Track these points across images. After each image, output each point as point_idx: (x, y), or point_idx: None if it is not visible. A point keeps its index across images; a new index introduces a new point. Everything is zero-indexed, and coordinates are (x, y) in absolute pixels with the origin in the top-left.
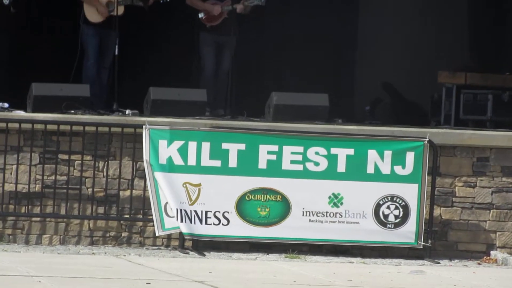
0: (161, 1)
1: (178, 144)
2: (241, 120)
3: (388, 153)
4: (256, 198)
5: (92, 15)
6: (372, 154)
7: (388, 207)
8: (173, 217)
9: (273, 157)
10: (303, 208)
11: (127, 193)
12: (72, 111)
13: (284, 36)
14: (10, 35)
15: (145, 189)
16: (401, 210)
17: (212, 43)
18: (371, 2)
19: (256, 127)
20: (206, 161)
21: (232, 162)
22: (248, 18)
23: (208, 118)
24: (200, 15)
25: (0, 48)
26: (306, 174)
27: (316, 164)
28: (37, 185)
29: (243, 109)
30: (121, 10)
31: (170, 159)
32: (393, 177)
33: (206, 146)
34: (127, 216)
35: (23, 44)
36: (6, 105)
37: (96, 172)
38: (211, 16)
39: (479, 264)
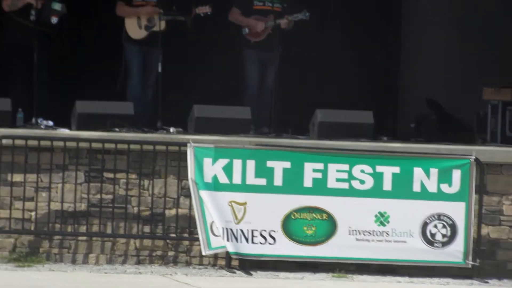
0: (201, 15)
1: (223, 162)
2: (286, 138)
3: (434, 171)
4: (302, 217)
5: (134, 32)
6: (418, 172)
7: (435, 226)
8: (219, 236)
9: (319, 175)
10: (350, 227)
11: (173, 211)
12: (117, 129)
13: (327, 52)
14: (54, 52)
15: (190, 207)
16: (448, 228)
17: (256, 59)
18: (415, 19)
19: (301, 145)
20: (251, 180)
21: (278, 181)
22: (291, 33)
23: (253, 136)
24: (244, 31)
25: (44, 65)
26: (352, 192)
27: (362, 182)
28: (82, 204)
29: (287, 126)
30: (163, 25)
31: (215, 178)
32: (439, 196)
33: (251, 164)
34: (173, 235)
35: (67, 62)
36: (50, 123)
37: (141, 190)
38: (255, 32)
39: None
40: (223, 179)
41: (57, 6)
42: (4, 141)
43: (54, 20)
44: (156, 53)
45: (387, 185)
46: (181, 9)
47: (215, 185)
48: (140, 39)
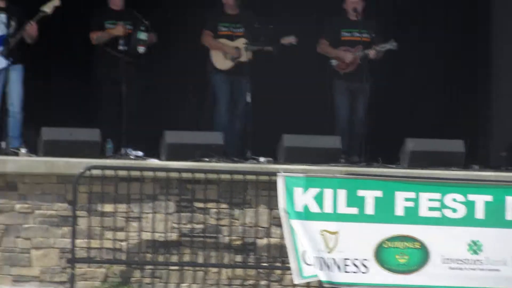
0: (287, 45)
1: (314, 191)
2: (377, 167)
3: None
4: (394, 246)
5: (221, 62)
6: (510, 201)
7: None
8: (311, 265)
9: (410, 204)
10: (442, 255)
11: (264, 241)
12: (206, 159)
13: (417, 81)
14: (142, 83)
15: (282, 237)
16: None
17: (346, 90)
18: (505, 35)
19: (392, 174)
20: (342, 209)
21: (369, 209)
22: (380, 62)
23: (343, 165)
24: (333, 63)
25: (132, 97)
26: (444, 221)
27: (454, 210)
28: (173, 234)
29: (377, 155)
30: (249, 55)
31: (306, 207)
32: None
33: (342, 193)
34: (265, 264)
35: (155, 93)
36: (140, 153)
37: (232, 220)
38: (344, 63)
39: None
40: (314, 208)
41: (143, 36)
42: (94, 172)
43: (141, 49)
44: (243, 83)
45: (479, 214)
46: (267, 40)
47: (306, 214)
48: (226, 69)
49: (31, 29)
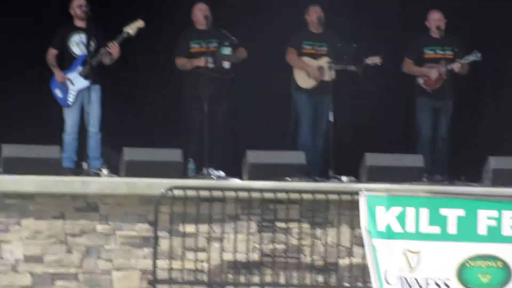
0: (372, 65)
1: (396, 210)
2: (459, 185)
3: None
4: (476, 265)
5: (303, 80)
6: None
7: None
8: (393, 284)
9: (493, 222)
10: None
11: (346, 261)
12: (288, 179)
13: (499, 96)
14: (228, 101)
15: (364, 256)
16: None
17: (429, 108)
18: None
19: (475, 192)
20: (425, 228)
21: (452, 229)
22: (465, 79)
23: (426, 184)
24: (419, 81)
25: (218, 115)
26: None
27: None
28: (255, 254)
29: (460, 174)
30: (333, 74)
31: (388, 226)
32: None
33: (424, 212)
34: (347, 284)
35: (238, 111)
36: (222, 173)
37: (314, 240)
38: (430, 80)
39: None
40: (396, 227)
41: (226, 51)
42: (175, 192)
43: (226, 64)
44: (326, 102)
45: None
46: (351, 59)
47: (389, 234)
48: (309, 88)
49: (114, 50)
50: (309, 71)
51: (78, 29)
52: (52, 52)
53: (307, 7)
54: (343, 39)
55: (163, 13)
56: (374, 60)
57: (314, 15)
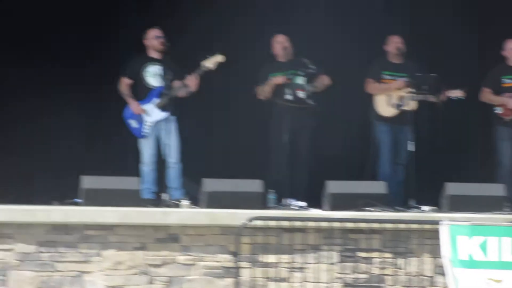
0: (454, 98)
1: (478, 239)
2: None
3: None
4: None
5: (384, 109)
6: None
7: None
8: None
9: None
10: None
11: None
12: (369, 209)
13: None
14: (308, 131)
15: (446, 285)
16: None
17: (509, 137)
18: None
19: None
20: (507, 257)
21: None
22: None
23: (508, 213)
24: (497, 110)
25: (298, 146)
26: None
27: None
28: (337, 284)
29: None
30: (414, 105)
31: (470, 255)
32: None
33: (507, 241)
34: None
35: (318, 141)
36: (303, 204)
37: (396, 269)
38: (508, 109)
39: None
40: (478, 256)
41: (300, 80)
42: (257, 223)
43: (300, 94)
44: (406, 131)
45: None
46: (432, 89)
47: (471, 263)
48: (390, 117)
49: (192, 83)
50: (393, 86)
51: (153, 60)
52: (125, 82)
53: (387, 38)
54: (423, 69)
55: (242, 46)
56: (456, 93)
57: (393, 46)
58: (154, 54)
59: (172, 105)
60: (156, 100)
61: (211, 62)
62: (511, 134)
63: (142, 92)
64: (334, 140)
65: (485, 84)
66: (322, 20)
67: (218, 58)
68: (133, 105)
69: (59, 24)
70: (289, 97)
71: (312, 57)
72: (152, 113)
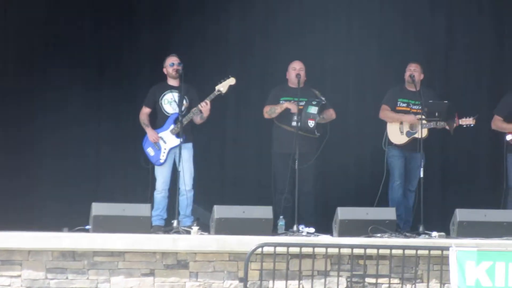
0: (464, 126)
1: (486, 265)
2: None
3: None
4: None
5: (396, 136)
6: None
7: None
8: None
9: None
10: None
11: None
12: (378, 235)
13: None
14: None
15: None
16: None
17: None
18: None
19: None
20: None
21: None
22: None
23: None
24: (508, 137)
25: (307, 172)
26: None
27: None
28: None
29: None
30: (425, 132)
31: (477, 280)
32: None
33: None
34: None
35: (328, 168)
36: (312, 230)
37: None
38: None
39: None
40: (486, 282)
41: (312, 110)
42: (265, 249)
43: (310, 123)
44: (417, 158)
45: None
46: (444, 116)
47: None
48: (401, 144)
49: (205, 109)
50: (405, 119)
51: (171, 88)
52: (145, 111)
53: (409, 66)
54: (437, 97)
55: (257, 71)
56: (467, 121)
57: (408, 73)
58: (171, 82)
59: (187, 131)
60: (172, 127)
61: (223, 86)
62: None
63: (160, 119)
64: (345, 167)
65: (496, 112)
66: (340, 46)
67: (231, 81)
68: (150, 133)
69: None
70: (296, 123)
71: (328, 83)
72: (168, 140)
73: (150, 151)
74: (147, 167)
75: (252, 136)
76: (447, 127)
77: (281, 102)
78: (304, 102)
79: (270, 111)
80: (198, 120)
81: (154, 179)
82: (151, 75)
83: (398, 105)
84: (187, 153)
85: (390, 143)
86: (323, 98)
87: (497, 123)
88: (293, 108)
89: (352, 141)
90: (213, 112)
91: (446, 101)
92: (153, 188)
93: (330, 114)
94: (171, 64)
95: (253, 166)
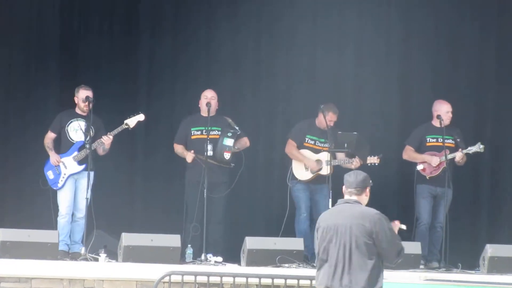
0: (369, 164)
1: None
2: (456, 273)
3: None
4: None
5: (301, 173)
6: None
7: None
8: None
9: None
10: None
11: None
12: (286, 265)
13: (496, 186)
14: (227, 188)
15: None
16: None
17: (429, 194)
18: None
19: (470, 280)
20: None
21: None
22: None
23: (422, 271)
24: (419, 167)
25: (217, 202)
26: None
27: None
28: None
29: (457, 261)
30: (331, 169)
31: None
32: None
33: None
34: None
35: (237, 198)
36: (220, 259)
37: None
38: (431, 167)
39: None
40: None
41: (228, 142)
42: (173, 277)
43: (226, 156)
44: (324, 189)
45: None
46: (352, 146)
47: None
48: (306, 180)
49: (107, 141)
50: (307, 163)
51: (78, 116)
52: (50, 136)
53: (327, 112)
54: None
55: (167, 103)
56: (373, 160)
57: (324, 119)
58: (79, 111)
59: (90, 160)
60: (76, 153)
61: (131, 121)
62: (430, 191)
63: (64, 145)
64: (254, 198)
65: (408, 142)
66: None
67: (140, 117)
68: (52, 157)
69: None
70: (209, 153)
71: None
72: (69, 166)
73: (50, 174)
74: (45, 188)
75: (158, 163)
76: (358, 159)
77: (192, 133)
78: (220, 132)
79: (177, 154)
80: (100, 151)
81: (56, 205)
82: (58, 100)
83: (306, 141)
84: (86, 181)
85: (295, 179)
86: (237, 128)
87: (409, 153)
88: (191, 161)
89: (261, 172)
90: (123, 142)
91: (356, 132)
92: (56, 213)
93: (245, 142)
94: (85, 99)
95: (161, 193)
